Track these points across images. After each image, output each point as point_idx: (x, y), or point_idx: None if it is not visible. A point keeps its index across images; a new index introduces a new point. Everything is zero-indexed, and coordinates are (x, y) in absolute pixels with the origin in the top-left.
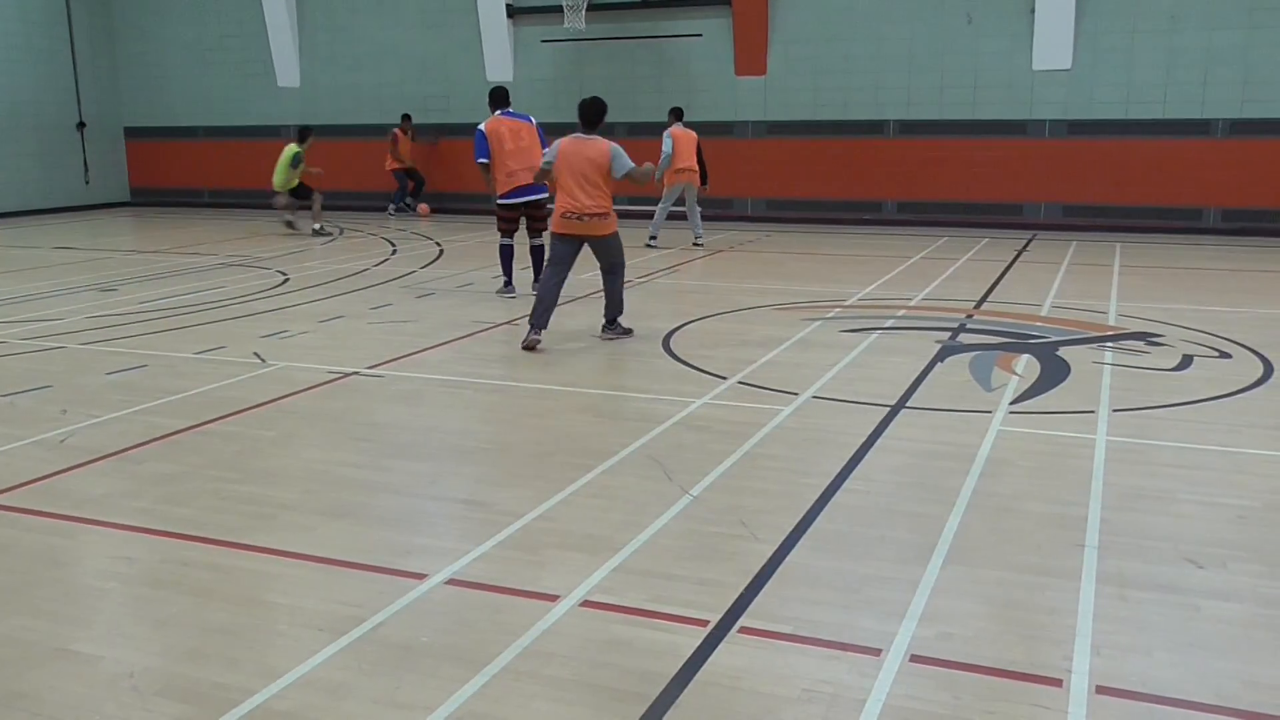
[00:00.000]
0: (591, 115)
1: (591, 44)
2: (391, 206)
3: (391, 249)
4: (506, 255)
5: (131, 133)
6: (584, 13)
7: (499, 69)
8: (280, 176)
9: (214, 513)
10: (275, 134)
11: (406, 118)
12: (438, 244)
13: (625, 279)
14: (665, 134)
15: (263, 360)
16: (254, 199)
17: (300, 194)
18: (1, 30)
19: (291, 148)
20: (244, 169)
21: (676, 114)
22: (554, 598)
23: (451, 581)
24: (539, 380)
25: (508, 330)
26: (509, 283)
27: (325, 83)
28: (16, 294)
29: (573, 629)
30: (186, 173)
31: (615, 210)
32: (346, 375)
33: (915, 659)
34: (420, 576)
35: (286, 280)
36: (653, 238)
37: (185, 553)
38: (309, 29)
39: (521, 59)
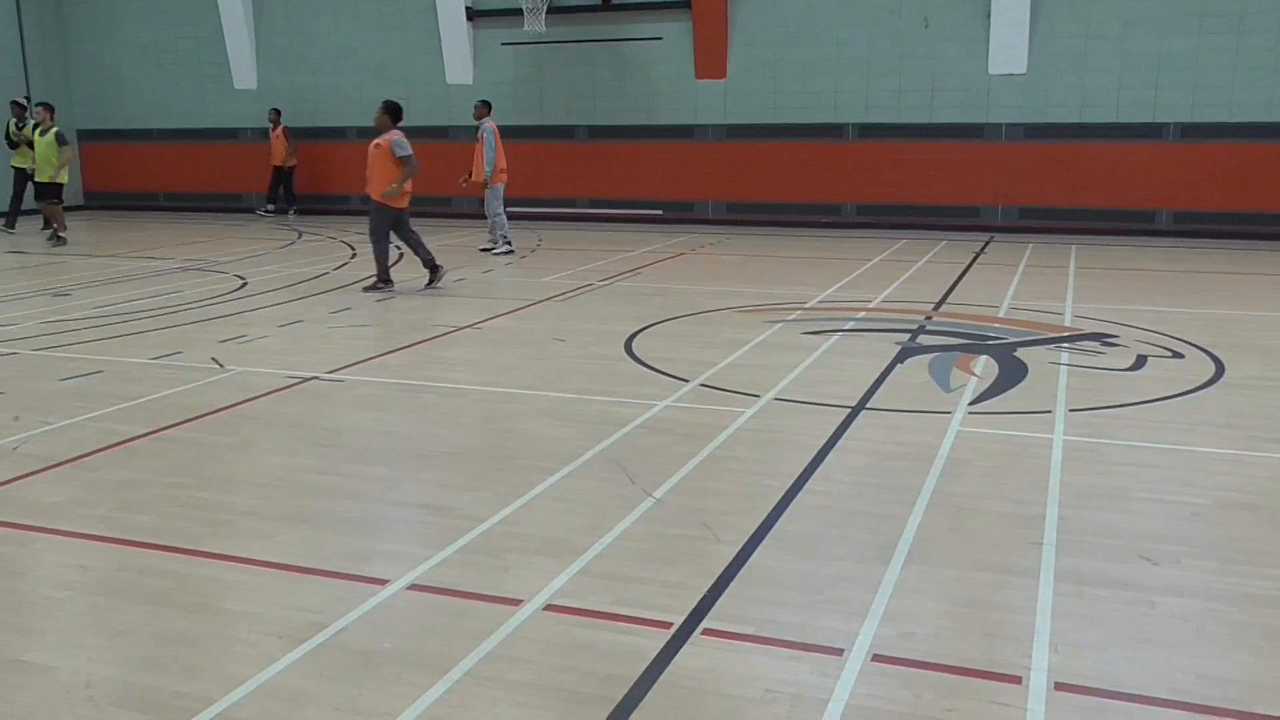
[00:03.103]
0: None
1: (551, 47)
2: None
3: (351, 253)
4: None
5: (85, 135)
6: (544, 15)
7: (458, 71)
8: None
9: (172, 519)
10: (232, 136)
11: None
12: (396, 248)
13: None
14: (488, 131)
15: (221, 365)
16: (211, 202)
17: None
18: None
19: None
20: (200, 172)
21: (488, 107)
22: (517, 602)
23: (413, 587)
24: (500, 384)
25: (469, 334)
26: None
27: (283, 85)
28: None
29: (536, 633)
30: (142, 176)
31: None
32: (306, 380)
33: (877, 658)
34: (381, 582)
35: (245, 284)
36: (508, 244)
37: (142, 560)
38: (266, 31)
39: (481, 61)
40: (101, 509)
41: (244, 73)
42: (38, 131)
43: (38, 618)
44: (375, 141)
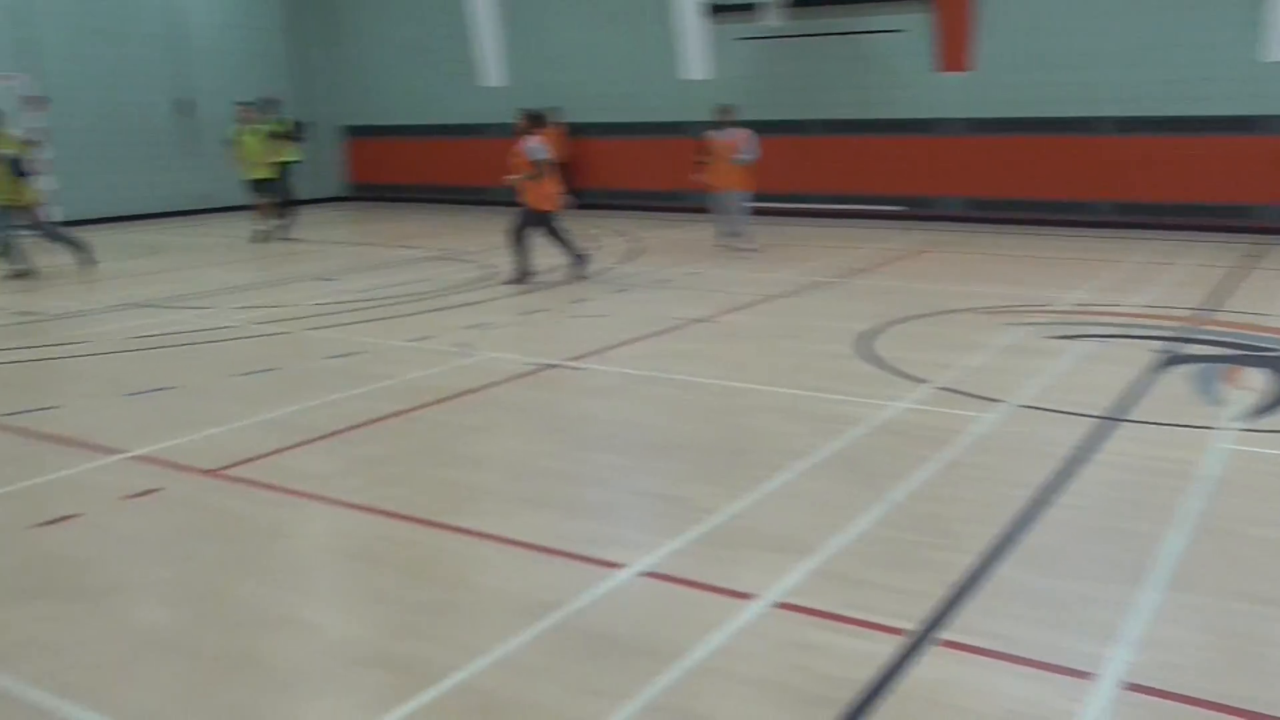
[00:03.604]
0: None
1: (786, 41)
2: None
3: (590, 245)
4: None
5: (348, 131)
6: (780, 9)
7: (692, 67)
8: None
9: (422, 494)
10: (479, 132)
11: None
12: (634, 239)
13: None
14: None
15: (467, 350)
16: (461, 195)
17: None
18: (232, 35)
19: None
20: (450, 166)
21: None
22: (748, 596)
23: (646, 573)
24: (733, 378)
25: (704, 328)
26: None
27: (528, 81)
28: (249, 282)
29: (766, 629)
30: (399, 169)
31: None
32: (546, 367)
33: (1131, 687)
34: (616, 566)
35: (494, 273)
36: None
37: (396, 531)
38: (512, 29)
39: (714, 56)
40: (360, 480)
41: (491, 69)
42: (247, 131)
43: (306, 578)
44: (517, 149)
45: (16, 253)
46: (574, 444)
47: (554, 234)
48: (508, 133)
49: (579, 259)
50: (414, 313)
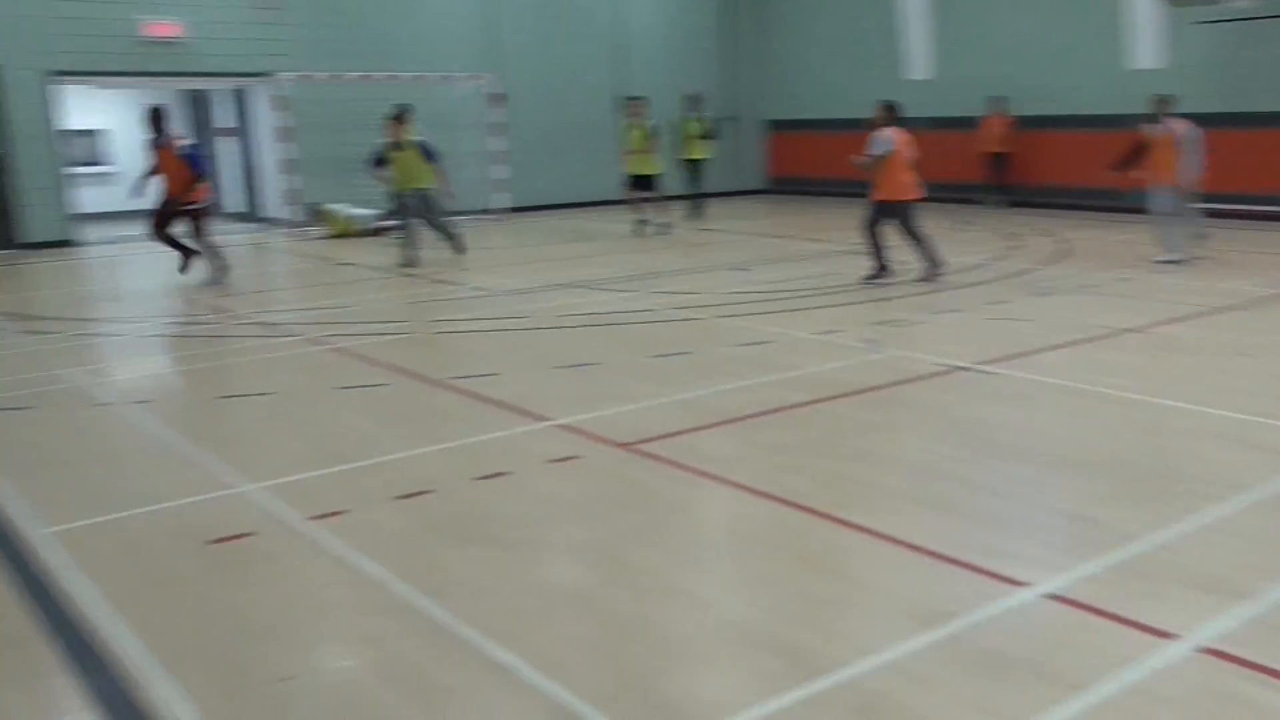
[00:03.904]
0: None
1: (1257, 24)
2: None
3: (1010, 244)
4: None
5: (771, 125)
6: None
7: (1141, 55)
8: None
9: (820, 486)
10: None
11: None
12: (1060, 240)
13: None
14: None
15: (875, 347)
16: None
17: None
18: (670, 34)
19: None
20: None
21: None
22: (1168, 635)
23: (1052, 596)
24: (1165, 395)
25: (1134, 338)
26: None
27: (955, 74)
28: (669, 269)
29: (1189, 674)
30: (818, 163)
31: None
32: (956, 369)
33: None
34: (1019, 584)
35: (903, 270)
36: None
37: (792, 519)
38: (945, 21)
39: (1168, 43)
40: (761, 466)
41: (918, 62)
42: (633, 127)
43: (704, 555)
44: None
45: (418, 240)
46: (980, 450)
47: (909, 232)
48: (933, 125)
49: (934, 264)
50: (823, 306)
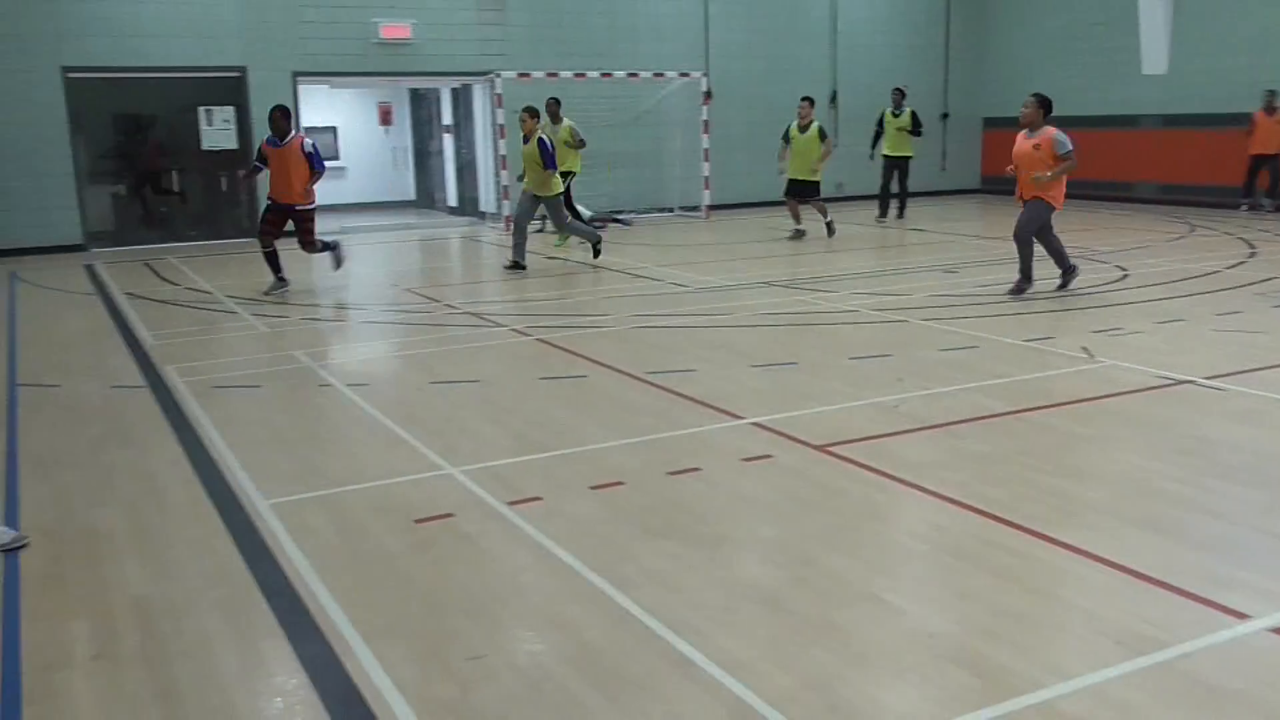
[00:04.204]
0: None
1: None
2: (1244, 203)
3: (1250, 250)
4: None
5: (988, 123)
6: None
7: None
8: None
9: (1022, 499)
10: (1129, 124)
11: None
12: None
13: None
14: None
15: (1091, 356)
16: (1098, 191)
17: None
18: (885, 30)
19: None
20: (1090, 161)
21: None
22: None
23: (1277, 631)
24: None
25: None
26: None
27: (1193, 69)
28: (873, 269)
29: None
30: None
31: None
32: (1179, 383)
33: None
34: (1240, 616)
35: (1125, 276)
36: None
37: (991, 532)
38: (1185, 13)
39: None
40: (961, 475)
41: (1155, 57)
42: (797, 128)
43: (896, 563)
44: (1034, 141)
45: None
46: (1201, 470)
47: (1048, 239)
48: (1164, 124)
49: (1070, 269)
50: (1036, 311)
